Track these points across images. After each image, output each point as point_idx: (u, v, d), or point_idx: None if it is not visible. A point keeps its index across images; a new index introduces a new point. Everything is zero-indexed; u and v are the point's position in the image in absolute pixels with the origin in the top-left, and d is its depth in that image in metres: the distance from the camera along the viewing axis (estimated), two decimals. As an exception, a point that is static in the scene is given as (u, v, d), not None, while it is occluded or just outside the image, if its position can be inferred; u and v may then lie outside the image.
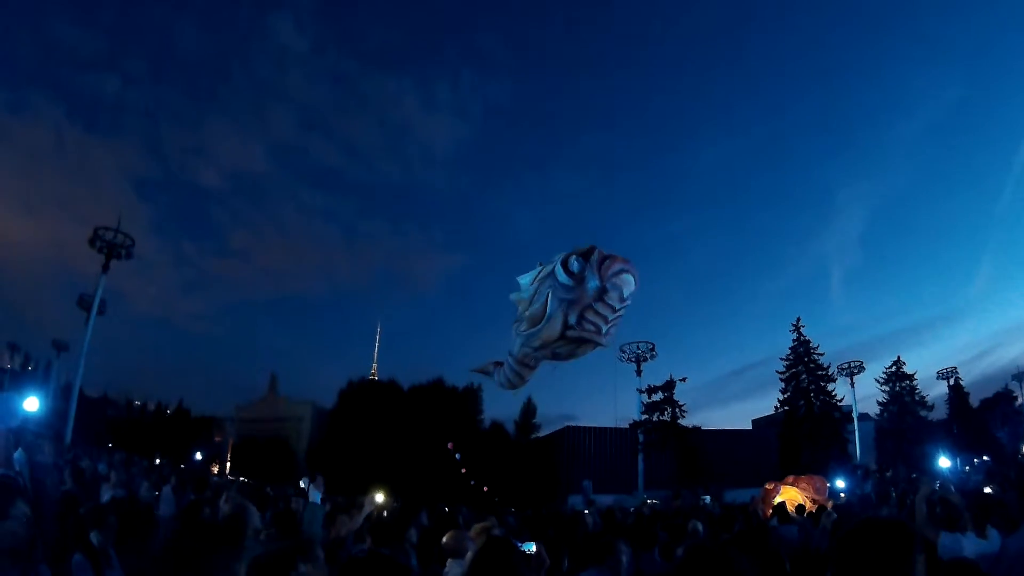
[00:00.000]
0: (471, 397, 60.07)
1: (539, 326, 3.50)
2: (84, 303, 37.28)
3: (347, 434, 54.07)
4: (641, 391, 49.34)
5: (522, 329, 3.71)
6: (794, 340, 49.16)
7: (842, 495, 19.83)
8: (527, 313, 3.61)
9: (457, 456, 53.70)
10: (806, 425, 46.26)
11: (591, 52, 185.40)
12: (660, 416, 48.45)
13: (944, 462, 23.43)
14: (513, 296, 3.81)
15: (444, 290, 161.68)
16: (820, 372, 48.07)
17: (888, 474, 25.08)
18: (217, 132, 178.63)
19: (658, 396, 48.58)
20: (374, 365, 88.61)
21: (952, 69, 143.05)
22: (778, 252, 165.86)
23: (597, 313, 3.24)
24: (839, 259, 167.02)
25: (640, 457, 48.79)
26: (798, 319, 49.76)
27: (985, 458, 32.04)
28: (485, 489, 54.73)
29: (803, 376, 48.46)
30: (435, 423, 53.82)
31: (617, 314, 3.28)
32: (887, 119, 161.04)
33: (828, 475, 25.63)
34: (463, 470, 54.05)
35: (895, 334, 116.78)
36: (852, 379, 48.19)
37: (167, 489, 11.48)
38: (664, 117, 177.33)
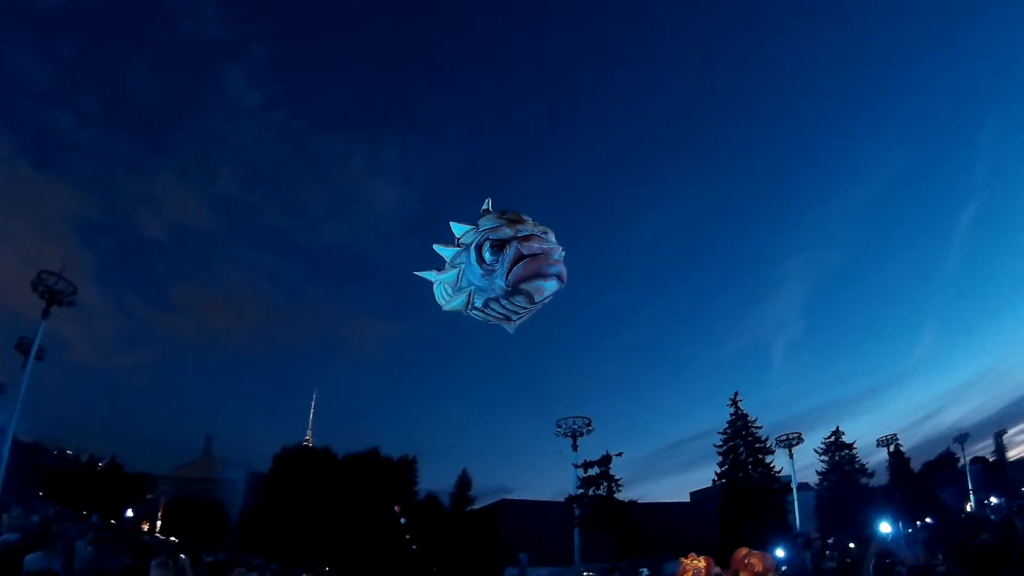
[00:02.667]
0: (406, 468, 58.49)
1: (448, 296, 3.28)
2: (23, 346, 36.46)
3: (281, 500, 52.08)
4: (577, 465, 48.91)
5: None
6: (732, 414, 49.17)
7: (783, 568, 19.36)
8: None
9: (403, 520, 51.93)
10: (745, 498, 45.65)
11: (536, 127, 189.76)
12: (596, 491, 47.68)
13: (885, 527, 23.10)
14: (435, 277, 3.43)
15: (383, 359, 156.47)
16: (758, 445, 47.88)
17: (830, 541, 24.55)
18: (165, 182, 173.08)
19: (594, 471, 47.98)
20: (308, 431, 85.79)
21: (895, 140, 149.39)
22: (719, 326, 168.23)
23: (504, 307, 2.99)
24: (780, 331, 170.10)
25: (576, 531, 47.53)
26: (735, 393, 49.93)
27: (928, 520, 31.92)
28: (422, 559, 52.86)
29: (741, 449, 48.20)
30: (370, 493, 52.05)
31: (529, 310, 3.03)
32: (830, 191, 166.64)
33: (769, 546, 24.99)
34: (407, 536, 52.17)
35: (837, 403, 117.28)
36: (791, 451, 48.18)
37: (80, 544, 10.92)
38: (607, 193, 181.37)
